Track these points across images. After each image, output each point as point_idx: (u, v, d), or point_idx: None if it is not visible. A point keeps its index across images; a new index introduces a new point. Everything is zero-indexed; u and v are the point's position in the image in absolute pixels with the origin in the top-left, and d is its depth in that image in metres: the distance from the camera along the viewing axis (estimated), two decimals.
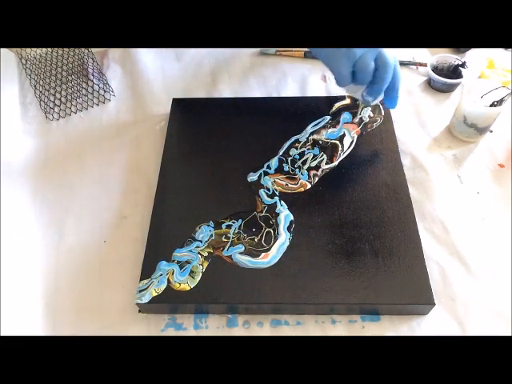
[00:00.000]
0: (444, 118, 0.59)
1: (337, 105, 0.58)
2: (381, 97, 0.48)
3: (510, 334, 0.42)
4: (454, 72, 0.63)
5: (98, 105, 0.63)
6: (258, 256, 0.45)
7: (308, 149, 0.54)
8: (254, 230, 0.47)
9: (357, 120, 0.56)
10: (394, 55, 0.45)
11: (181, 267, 0.45)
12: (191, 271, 0.44)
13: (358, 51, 0.43)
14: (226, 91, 0.64)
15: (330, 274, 0.44)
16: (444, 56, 0.63)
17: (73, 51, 0.68)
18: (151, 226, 0.48)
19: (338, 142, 0.54)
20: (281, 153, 0.54)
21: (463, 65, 0.62)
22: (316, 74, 0.66)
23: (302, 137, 0.55)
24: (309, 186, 0.51)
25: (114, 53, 0.69)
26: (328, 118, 0.57)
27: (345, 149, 0.54)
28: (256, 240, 0.46)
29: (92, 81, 0.65)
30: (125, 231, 0.51)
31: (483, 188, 0.52)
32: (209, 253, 0.46)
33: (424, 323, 0.44)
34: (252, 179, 0.51)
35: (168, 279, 0.44)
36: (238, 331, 0.44)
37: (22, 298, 0.46)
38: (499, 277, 0.46)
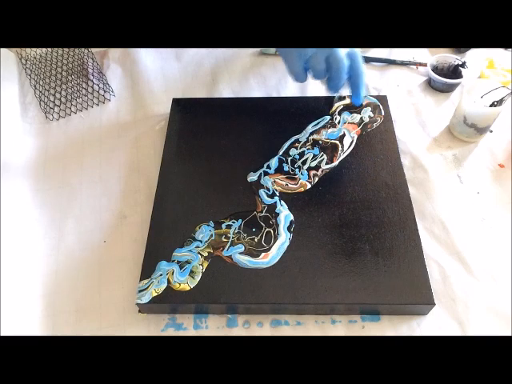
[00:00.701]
0: (444, 118, 0.59)
1: (337, 105, 0.58)
2: (345, 90, 0.49)
3: (509, 334, 0.42)
4: (454, 72, 0.63)
5: (97, 105, 0.63)
6: (258, 256, 0.45)
7: (308, 149, 0.54)
8: (253, 229, 0.47)
9: (357, 120, 0.56)
10: (353, 53, 0.45)
11: (181, 267, 0.45)
12: (191, 271, 0.44)
13: (310, 50, 0.44)
14: (225, 91, 0.64)
15: (330, 274, 0.44)
16: (444, 56, 0.63)
17: (73, 51, 0.68)
18: (151, 226, 0.48)
19: (337, 142, 0.54)
20: (281, 153, 0.54)
21: (463, 65, 0.62)
22: None
23: (302, 137, 0.55)
24: (309, 186, 0.51)
25: (114, 53, 0.69)
26: (328, 117, 0.57)
27: (345, 149, 0.54)
28: (256, 240, 0.46)
29: (92, 81, 0.65)
30: (125, 231, 0.51)
31: (483, 188, 0.52)
32: (209, 253, 0.46)
33: (424, 323, 0.44)
34: (252, 179, 0.51)
35: (168, 279, 0.44)
36: (238, 331, 0.44)
37: (22, 298, 0.46)
38: (499, 277, 0.46)
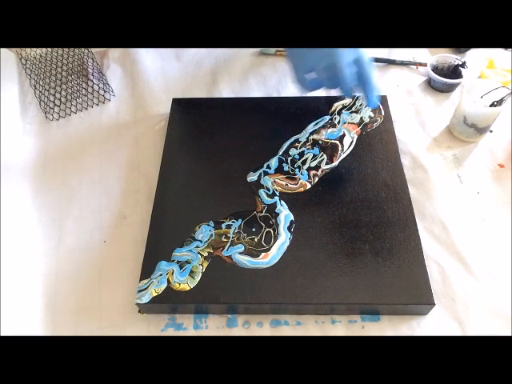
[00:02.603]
0: (444, 118, 0.59)
1: (336, 105, 0.58)
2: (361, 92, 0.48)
3: (509, 334, 0.42)
4: (454, 72, 0.63)
5: (97, 105, 0.63)
6: (258, 256, 0.45)
7: (308, 149, 0.54)
8: (253, 229, 0.47)
9: (357, 120, 0.56)
10: (360, 59, 0.45)
11: (181, 267, 0.45)
12: (191, 271, 0.44)
13: (311, 60, 0.46)
14: (225, 91, 0.64)
15: (330, 274, 0.44)
16: (444, 56, 0.63)
17: (73, 51, 0.68)
18: (151, 226, 0.48)
19: (337, 142, 0.54)
20: (281, 153, 0.54)
21: (463, 65, 0.62)
22: None
23: (302, 137, 0.55)
24: (309, 186, 0.51)
25: (114, 53, 0.69)
26: (328, 117, 0.57)
27: (345, 149, 0.54)
28: (256, 240, 0.46)
29: (92, 81, 0.65)
30: (125, 231, 0.51)
31: (483, 188, 0.52)
32: (209, 253, 0.46)
33: (424, 323, 0.44)
34: (252, 179, 0.51)
35: (168, 279, 0.44)
36: (238, 331, 0.44)
37: (22, 298, 0.46)
38: (499, 277, 0.46)
